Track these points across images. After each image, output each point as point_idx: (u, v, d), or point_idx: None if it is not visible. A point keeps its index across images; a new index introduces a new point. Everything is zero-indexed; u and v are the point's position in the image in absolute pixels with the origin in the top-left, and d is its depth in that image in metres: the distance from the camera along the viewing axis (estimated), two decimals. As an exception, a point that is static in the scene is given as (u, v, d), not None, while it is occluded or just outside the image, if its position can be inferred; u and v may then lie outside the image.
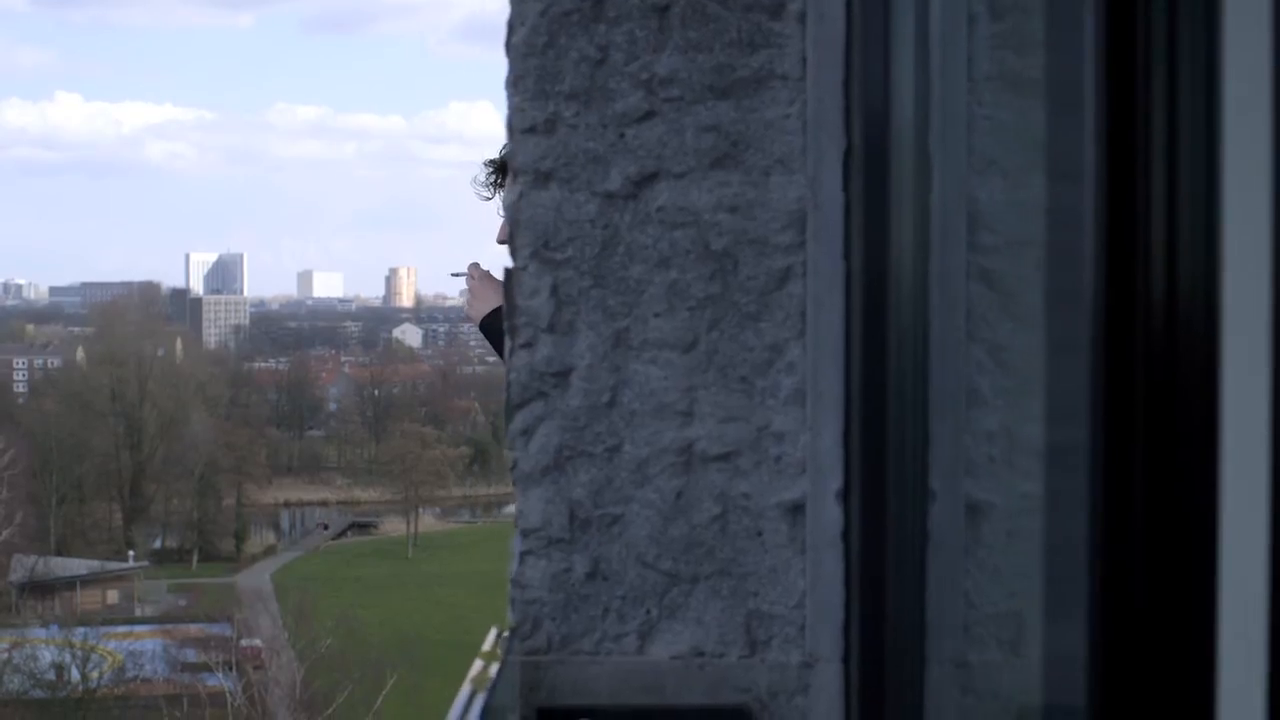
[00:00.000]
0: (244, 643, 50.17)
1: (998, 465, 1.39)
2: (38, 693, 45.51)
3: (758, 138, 1.38)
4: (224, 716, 43.48)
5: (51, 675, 46.34)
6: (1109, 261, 0.93)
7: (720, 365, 1.38)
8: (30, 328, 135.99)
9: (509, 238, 1.38)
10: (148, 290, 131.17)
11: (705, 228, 1.37)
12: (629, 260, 1.37)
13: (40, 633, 50.71)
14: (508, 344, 1.37)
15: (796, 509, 1.38)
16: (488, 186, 3.23)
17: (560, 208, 1.37)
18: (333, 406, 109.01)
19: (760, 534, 1.38)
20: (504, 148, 3.27)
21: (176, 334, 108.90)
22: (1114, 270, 0.93)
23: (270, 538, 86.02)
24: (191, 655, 50.55)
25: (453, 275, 3.29)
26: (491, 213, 3.28)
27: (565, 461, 1.37)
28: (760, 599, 1.38)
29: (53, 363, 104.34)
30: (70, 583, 63.12)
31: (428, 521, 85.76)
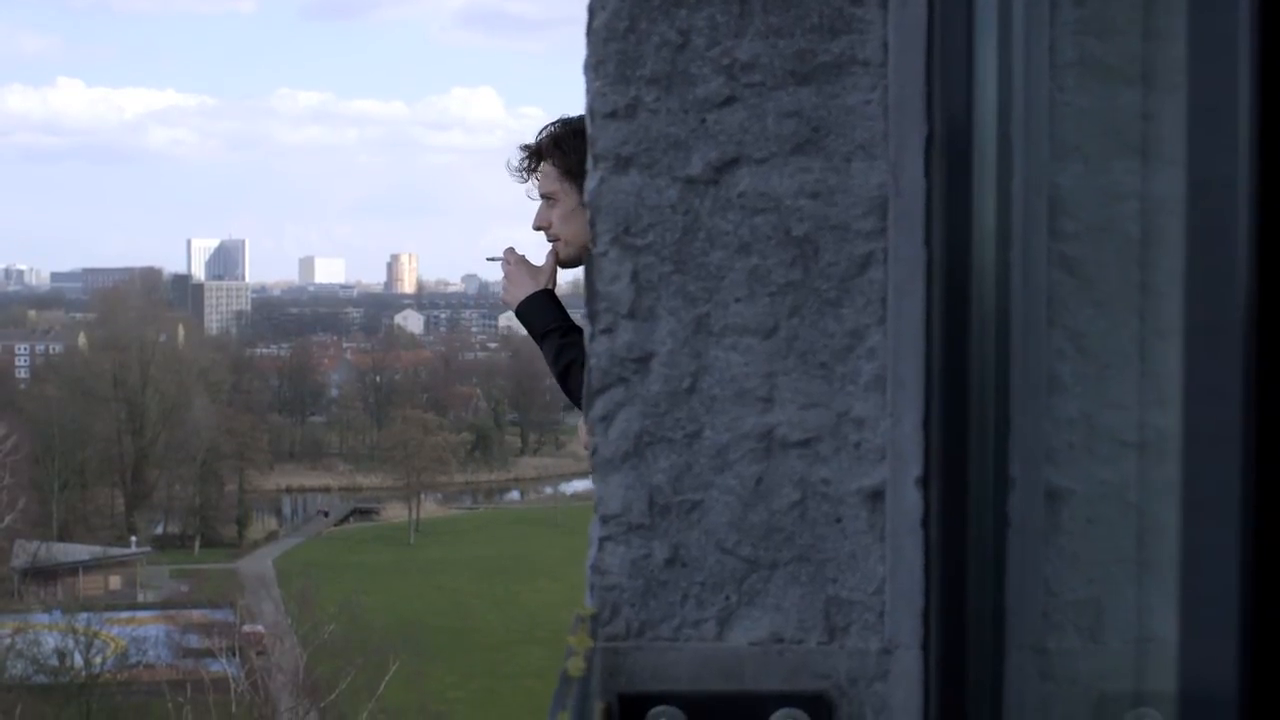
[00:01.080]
0: (246, 628, 50.29)
1: (1077, 452, 1.39)
2: (41, 678, 45.63)
3: (839, 123, 1.38)
4: (227, 702, 43.59)
5: (55, 661, 46.46)
6: (1260, 245, 0.93)
7: (800, 351, 1.37)
8: (32, 313, 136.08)
9: (591, 223, 1.37)
10: (149, 276, 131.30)
11: (786, 213, 1.37)
12: (709, 246, 1.37)
13: (43, 618, 50.84)
14: (588, 329, 1.37)
15: (876, 495, 1.37)
16: (523, 172, 3.23)
17: (641, 193, 1.37)
18: (334, 392, 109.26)
19: (840, 520, 1.38)
20: (540, 132, 3.28)
21: (178, 320, 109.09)
22: (1264, 254, 0.93)
23: (272, 523, 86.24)
24: (194, 641, 50.69)
25: (488, 260, 3.29)
26: (521, 197, 3.28)
27: (645, 447, 1.37)
28: (839, 585, 1.38)
29: (54, 348, 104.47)
30: (72, 568, 63.26)
31: (429, 507, 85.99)
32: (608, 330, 1.39)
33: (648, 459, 1.39)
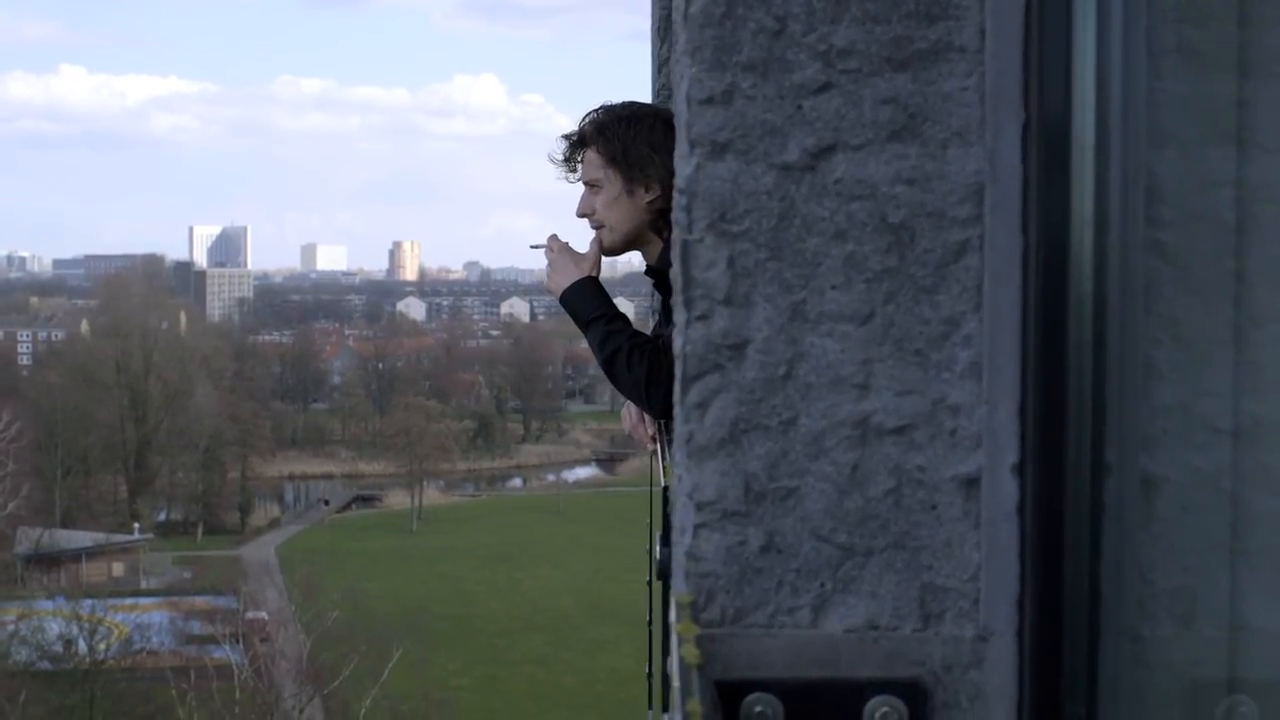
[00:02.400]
0: (249, 615, 50.31)
1: (1172, 439, 1.39)
2: (45, 664, 45.67)
3: (935, 110, 1.37)
4: (231, 689, 43.64)
5: (58, 647, 46.49)
6: None
7: (896, 338, 1.37)
8: (34, 300, 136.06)
9: (685, 209, 1.37)
10: (151, 263, 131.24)
11: (882, 200, 1.37)
12: (806, 233, 1.37)
13: (46, 605, 50.87)
14: (683, 315, 1.37)
15: (972, 482, 1.37)
16: (565, 161, 3.22)
17: (737, 179, 1.37)
18: (337, 380, 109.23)
19: (935, 507, 1.37)
20: (583, 119, 3.27)
21: (180, 307, 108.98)
22: None
23: (274, 511, 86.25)
24: (197, 628, 50.72)
25: (532, 248, 3.28)
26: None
27: (741, 434, 1.37)
28: (934, 572, 1.38)
29: (56, 335, 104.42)
30: (75, 555, 63.28)
31: (431, 495, 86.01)
32: (703, 317, 1.39)
33: (743, 446, 1.39)
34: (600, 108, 3.24)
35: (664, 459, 2.45)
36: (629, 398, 3.05)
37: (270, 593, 57.39)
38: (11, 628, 47.31)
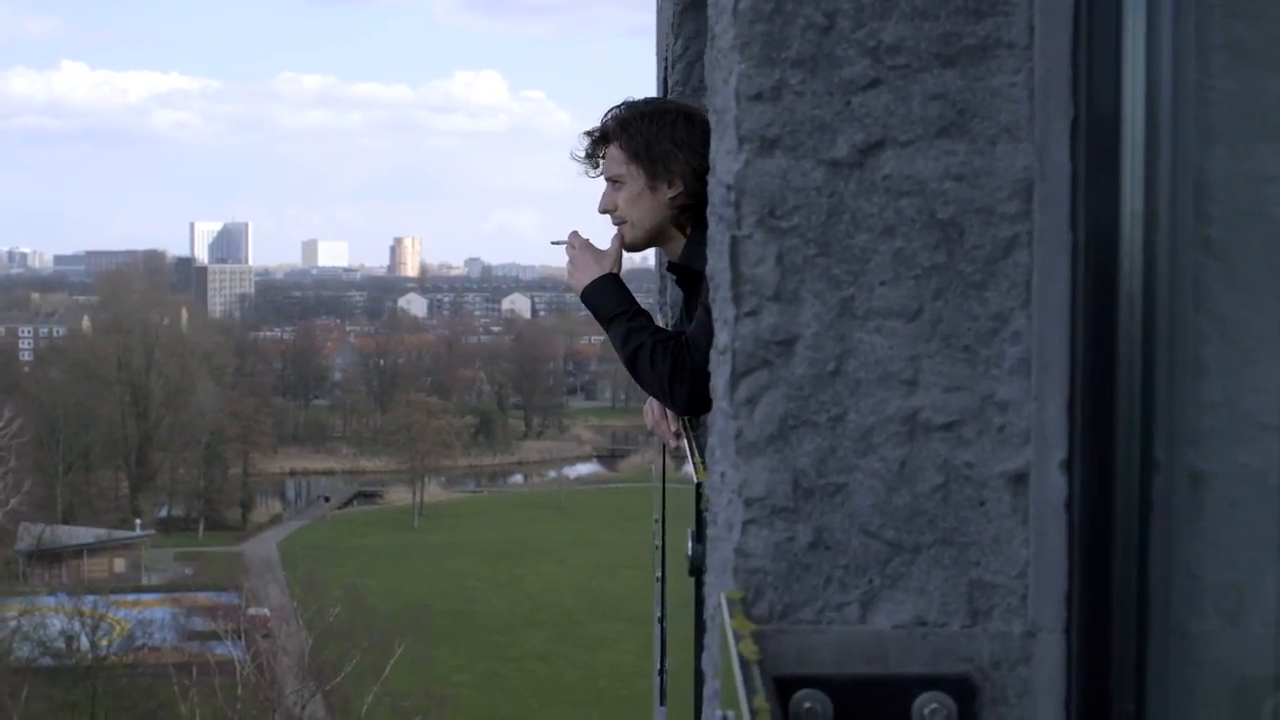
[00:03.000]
0: (251, 611, 50.33)
1: (1220, 436, 1.39)
2: (46, 660, 45.69)
3: (984, 106, 1.37)
4: (233, 685, 43.66)
5: (61, 643, 46.52)
6: None
7: (944, 334, 1.37)
8: (35, 296, 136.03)
9: (734, 205, 1.37)
10: (153, 259, 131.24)
11: (931, 196, 1.37)
12: (854, 229, 1.37)
13: (49, 601, 50.88)
14: (732, 311, 1.36)
15: (1020, 479, 1.37)
16: (587, 158, 3.22)
17: (786, 175, 1.37)
18: (338, 376, 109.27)
19: (983, 503, 1.37)
20: (605, 114, 3.27)
21: (182, 303, 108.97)
22: None
23: (276, 507, 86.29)
24: (199, 624, 50.75)
25: (553, 244, 3.28)
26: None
27: (790, 431, 1.37)
28: (982, 568, 1.38)
29: (58, 331, 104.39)
30: (77, 551, 63.29)
31: (433, 491, 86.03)
32: (752, 313, 1.39)
33: (792, 442, 1.39)
34: (622, 103, 3.24)
35: (692, 456, 2.44)
36: (652, 394, 3.04)
37: (272, 589, 57.45)
38: (13, 624, 47.33)
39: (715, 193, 1.65)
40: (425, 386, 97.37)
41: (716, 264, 1.68)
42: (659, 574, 7.06)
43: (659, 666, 5.76)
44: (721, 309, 1.51)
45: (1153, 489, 1.37)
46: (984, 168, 1.38)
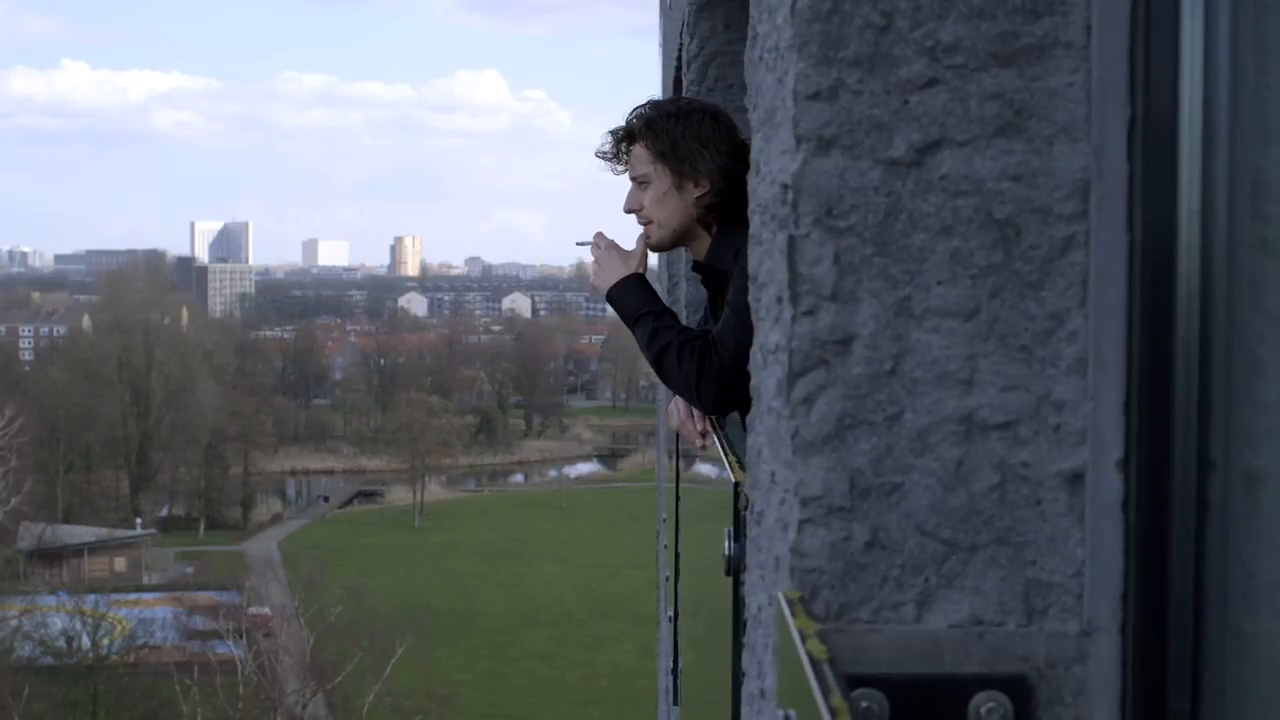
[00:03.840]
0: (252, 610, 50.34)
1: (1276, 435, 1.39)
2: (48, 659, 45.71)
3: (1041, 106, 1.37)
4: (234, 684, 43.68)
5: (62, 642, 46.53)
6: None
7: (1001, 334, 1.37)
8: (36, 295, 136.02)
9: (791, 204, 1.37)
10: (153, 258, 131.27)
11: (988, 196, 1.37)
12: (911, 228, 1.37)
13: (50, 600, 50.90)
14: (789, 311, 1.36)
15: (1076, 478, 1.37)
16: (612, 156, 3.22)
17: (843, 175, 1.37)
18: (338, 375, 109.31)
19: (1039, 503, 1.37)
20: (630, 114, 3.27)
21: (182, 303, 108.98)
22: None
23: (276, 506, 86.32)
24: (200, 623, 50.77)
25: (578, 244, 3.28)
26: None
27: (846, 430, 1.37)
28: (1038, 568, 1.38)
29: (58, 331, 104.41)
30: (78, 550, 63.31)
31: (434, 490, 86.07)
32: (809, 312, 1.39)
33: (849, 442, 1.39)
34: (648, 102, 3.24)
35: (726, 455, 2.44)
36: (679, 393, 3.04)
37: (273, 588, 57.46)
38: (14, 623, 47.35)
39: (763, 191, 1.65)
40: (426, 386, 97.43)
41: (763, 263, 1.68)
42: (668, 574, 7.06)
43: (671, 666, 5.76)
44: (770, 308, 1.51)
45: (1209, 488, 1.37)
46: (1041, 168, 1.38)
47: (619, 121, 3.22)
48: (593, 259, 3.20)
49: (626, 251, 3.17)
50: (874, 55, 1.38)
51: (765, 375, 1.58)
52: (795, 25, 1.38)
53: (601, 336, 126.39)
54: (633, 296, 3.08)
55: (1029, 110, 1.38)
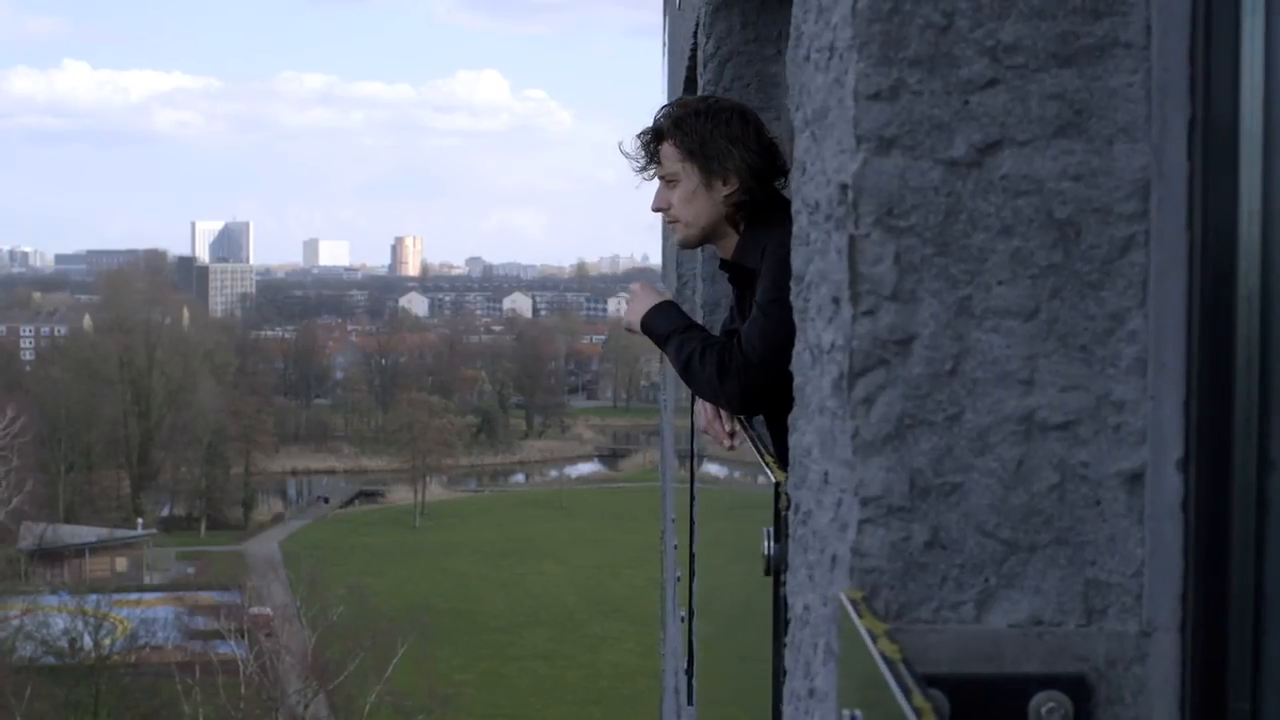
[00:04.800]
0: (254, 610, 50.33)
1: (1335, 435, 1.39)
2: (49, 659, 45.69)
3: (1101, 106, 1.37)
4: (236, 684, 43.68)
5: (63, 642, 46.52)
6: None
7: (1061, 334, 1.37)
8: (37, 295, 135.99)
9: (852, 204, 1.37)
10: (154, 258, 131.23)
11: (1049, 196, 1.37)
12: (972, 228, 1.37)
13: (51, 600, 50.89)
14: (849, 311, 1.36)
15: (1135, 478, 1.37)
16: (641, 157, 3.22)
17: (904, 175, 1.37)
18: (339, 375, 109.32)
19: (1099, 503, 1.38)
20: (658, 113, 3.27)
21: (183, 302, 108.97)
22: None
23: (277, 506, 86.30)
24: (202, 623, 50.76)
25: (621, 293, 3.31)
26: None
27: (906, 430, 1.37)
28: (1098, 568, 1.38)
29: (59, 330, 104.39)
30: (79, 550, 63.29)
31: (434, 490, 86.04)
32: (869, 312, 1.39)
33: (909, 441, 1.39)
34: (675, 101, 3.24)
35: (761, 455, 2.44)
36: (704, 397, 3.04)
37: (275, 588, 57.44)
38: (16, 623, 47.34)
39: (812, 191, 1.65)
40: (427, 386, 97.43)
41: (812, 263, 1.68)
42: (679, 574, 7.06)
43: (686, 667, 5.76)
44: (823, 308, 1.51)
45: (1269, 488, 1.37)
46: (1101, 167, 1.38)
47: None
48: (628, 300, 3.24)
49: (659, 289, 3.20)
50: (934, 55, 1.38)
51: (817, 375, 1.57)
52: (855, 25, 1.38)
53: (602, 336, 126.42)
54: (661, 319, 3.11)
55: (1089, 110, 1.39)
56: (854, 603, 1.33)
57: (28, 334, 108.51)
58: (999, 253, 1.39)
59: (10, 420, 61.56)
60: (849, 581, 1.40)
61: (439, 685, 45.92)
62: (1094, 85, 1.39)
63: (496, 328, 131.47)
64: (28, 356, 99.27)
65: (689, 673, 5.65)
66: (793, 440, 1.89)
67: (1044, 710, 1.37)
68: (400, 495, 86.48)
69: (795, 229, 1.85)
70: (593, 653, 54.12)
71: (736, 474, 3.21)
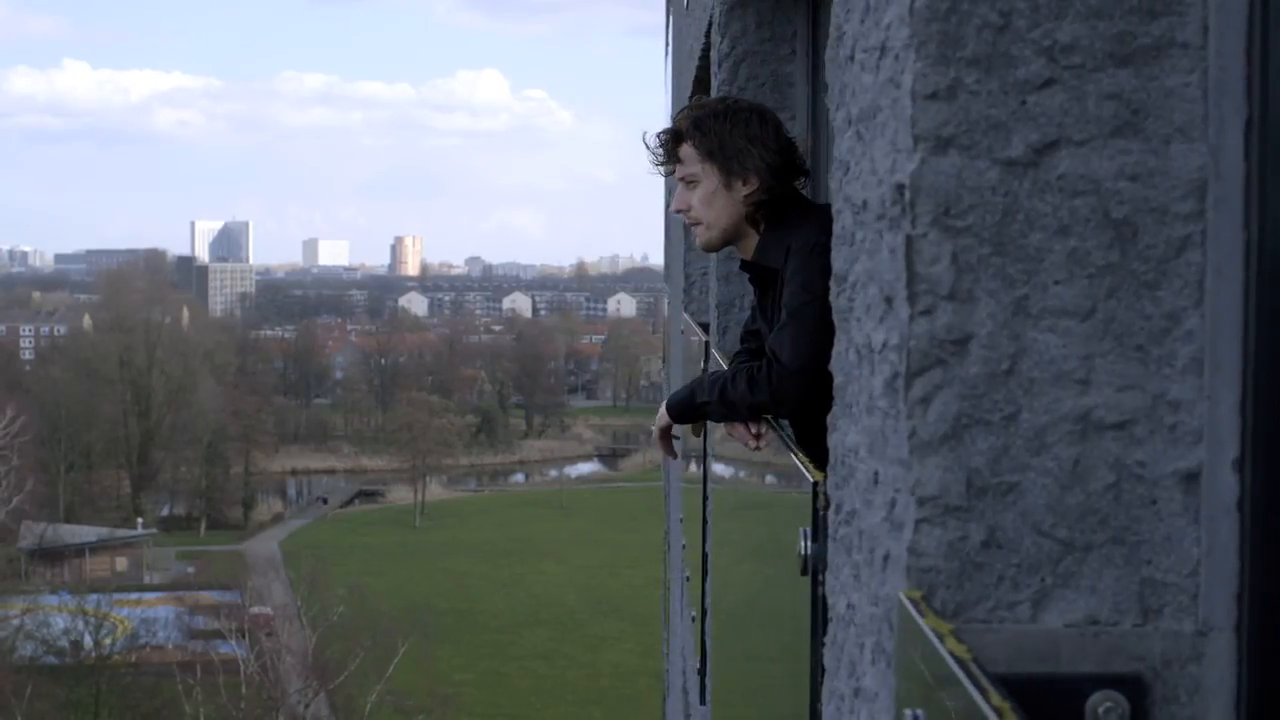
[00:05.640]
0: (254, 610, 50.32)
1: (1390, 435, 1.39)
2: (50, 659, 45.68)
3: (1158, 106, 1.37)
4: (237, 684, 43.67)
5: (64, 642, 46.51)
6: None
7: (1117, 333, 1.37)
8: (36, 295, 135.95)
9: (909, 204, 1.37)
10: (154, 258, 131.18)
11: (1105, 196, 1.37)
12: (1029, 228, 1.37)
13: (51, 599, 50.87)
14: (906, 311, 1.36)
15: (1191, 478, 1.38)
16: (661, 157, 3.21)
17: (961, 175, 1.37)
18: (339, 375, 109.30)
19: (1155, 502, 1.38)
20: (677, 114, 3.26)
21: (183, 302, 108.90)
22: None
23: (277, 506, 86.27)
24: (202, 622, 50.75)
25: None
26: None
27: (963, 430, 1.37)
28: (1153, 567, 1.38)
29: (59, 330, 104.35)
30: (79, 550, 63.27)
31: (434, 490, 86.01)
32: (927, 312, 1.39)
33: (965, 441, 1.39)
34: (693, 102, 3.24)
35: (795, 455, 2.43)
36: (750, 416, 3.00)
37: (275, 587, 57.42)
38: (16, 622, 47.33)
39: (858, 190, 1.65)
40: (426, 385, 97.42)
41: (857, 262, 1.68)
42: (688, 574, 7.05)
43: (699, 666, 5.75)
44: (872, 307, 1.51)
45: (1325, 488, 1.37)
46: (1158, 167, 1.38)
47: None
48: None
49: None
50: (992, 55, 1.38)
51: (865, 374, 1.58)
52: (913, 25, 1.38)
53: (602, 336, 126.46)
54: (682, 391, 3.17)
55: (1146, 110, 1.39)
56: (914, 602, 1.33)
57: (27, 333, 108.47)
58: (1056, 252, 1.39)
59: (10, 420, 61.53)
60: (904, 581, 1.40)
61: (439, 685, 45.91)
62: (1151, 85, 1.39)
63: (496, 327, 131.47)
64: (27, 356, 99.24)
65: (701, 672, 5.65)
66: (833, 440, 1.89)
67: (1101, 710, 1.37)
68: (400, 495, 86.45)
69: (837, 228, 1.85)
70: (593, 653, 54.11)
71: (760, 474, 3.21)
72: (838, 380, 1.85)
